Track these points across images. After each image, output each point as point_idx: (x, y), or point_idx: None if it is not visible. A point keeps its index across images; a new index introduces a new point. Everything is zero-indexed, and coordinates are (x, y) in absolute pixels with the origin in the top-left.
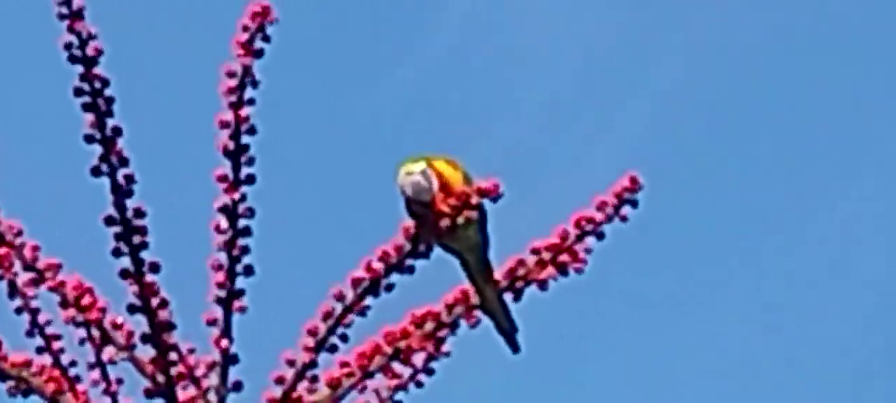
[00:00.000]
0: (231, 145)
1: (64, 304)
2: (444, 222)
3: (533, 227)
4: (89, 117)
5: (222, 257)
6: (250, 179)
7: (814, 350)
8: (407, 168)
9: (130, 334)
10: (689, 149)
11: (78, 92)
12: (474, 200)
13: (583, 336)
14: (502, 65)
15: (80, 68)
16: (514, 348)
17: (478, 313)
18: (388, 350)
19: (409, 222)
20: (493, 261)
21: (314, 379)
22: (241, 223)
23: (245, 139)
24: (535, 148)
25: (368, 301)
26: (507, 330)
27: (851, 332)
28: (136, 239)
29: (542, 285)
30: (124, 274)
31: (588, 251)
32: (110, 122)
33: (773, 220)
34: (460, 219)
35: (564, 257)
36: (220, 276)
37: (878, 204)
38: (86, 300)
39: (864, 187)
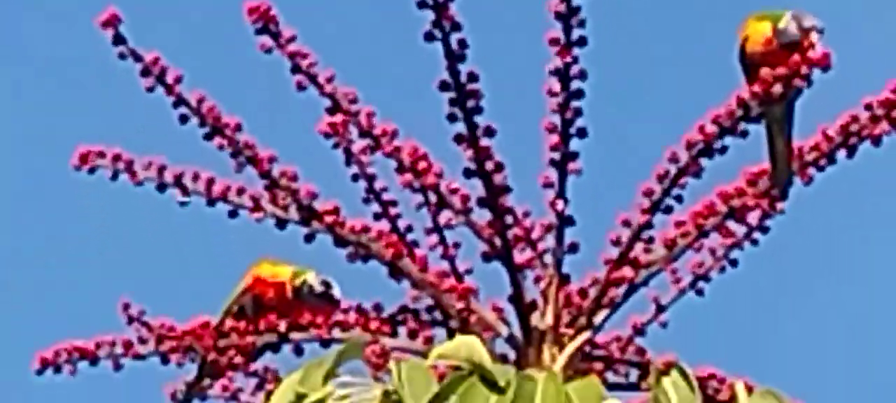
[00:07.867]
0: (562, 8)
1: (400, 170)
2: (776, 89)
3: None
4: None
5: (556, 119)
6: (582, 41)
7: None
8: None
9: (466, 198)
10: None
11: None
12: (804, 70)
13: None
14: None
15: None
16: (784, 196)
17: (810, 170)
18: (723, 208)
19: (743, 87)
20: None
21: (650, 240)
22: (574, 85)
23: (576, 0)
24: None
25: (702, 162)
26: (783, 182)
27: None
28: (470, 104)
29: (877, 140)
30: (459, 138)
31: None
32: None
33: None
34: (790, 90)
35: None
36: (554, 139)
37: None
38: (421, 165)
39: None
